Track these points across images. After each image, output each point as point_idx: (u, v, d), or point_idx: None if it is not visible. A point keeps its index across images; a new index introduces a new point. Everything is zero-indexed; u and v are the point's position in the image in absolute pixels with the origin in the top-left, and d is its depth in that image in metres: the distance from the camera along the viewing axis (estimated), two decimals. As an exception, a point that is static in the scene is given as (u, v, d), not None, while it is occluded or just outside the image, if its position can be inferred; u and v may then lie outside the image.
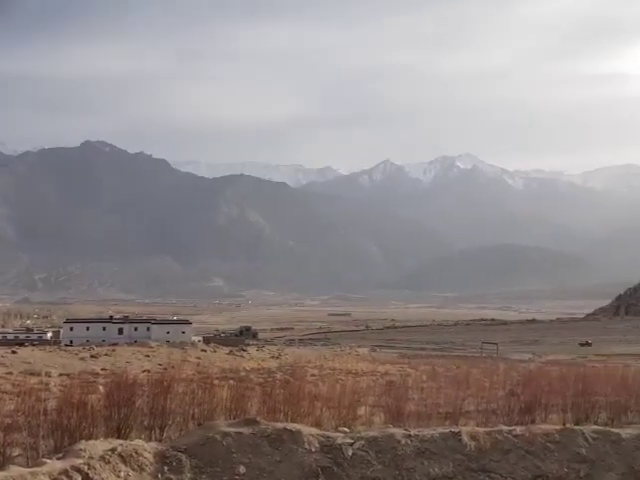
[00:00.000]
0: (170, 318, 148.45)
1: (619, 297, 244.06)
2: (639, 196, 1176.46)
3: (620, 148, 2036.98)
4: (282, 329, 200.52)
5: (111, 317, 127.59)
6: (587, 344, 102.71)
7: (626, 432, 12.06)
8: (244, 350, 70.11)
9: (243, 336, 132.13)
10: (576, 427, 12.17)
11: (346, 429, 11.97)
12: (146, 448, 10.10)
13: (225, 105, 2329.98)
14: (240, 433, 10.67)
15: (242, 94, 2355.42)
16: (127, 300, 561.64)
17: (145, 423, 12.83)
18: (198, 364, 40.40)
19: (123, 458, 9.68)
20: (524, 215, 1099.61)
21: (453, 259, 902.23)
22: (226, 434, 10.58)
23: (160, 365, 39.17)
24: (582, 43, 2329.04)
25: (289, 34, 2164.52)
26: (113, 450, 9.74)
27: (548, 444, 11.44)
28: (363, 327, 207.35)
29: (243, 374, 31.72)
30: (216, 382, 19.82)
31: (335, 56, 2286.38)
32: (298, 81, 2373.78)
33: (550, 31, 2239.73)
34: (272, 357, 60.03)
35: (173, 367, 30.46)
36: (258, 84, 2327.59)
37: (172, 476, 9.90)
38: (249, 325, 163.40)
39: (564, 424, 12.94)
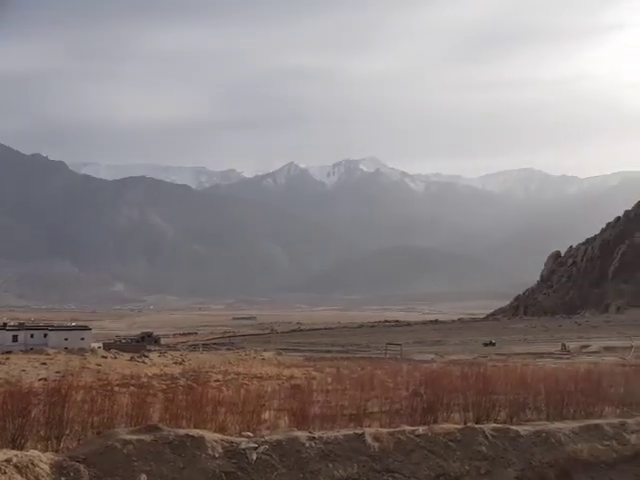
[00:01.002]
0: (68, 324, 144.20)
1: (517, 298, 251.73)
2: (535, 199, 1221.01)
3: (517, 152, 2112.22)
4: (185, 334, 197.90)
5: (5, 324, 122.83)
6: (491, 344, 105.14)
7: (524, 429, 12.39)
8: (146, 356, 68.89)
9: (145, 342, 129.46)
10: (477, 425, 12.41)
11: (250, 434, 11.86)
12: (42, 459, 9.74)
13: (125, 106, 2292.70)
14: (141, 440, 10.42)
15: (143, 95, 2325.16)
16: (23, 306, 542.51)
17: (42, 433, 12.39)
18: (98, 371, 39.47)
19: (19, 469, 9.31)
20: (425, 218, 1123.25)
21: (357, 261, 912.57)
22: (126, 442, 10.30)
23: (58, 373, 37.99)
24: (482, 49, 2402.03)
25: (193, 35, 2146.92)
26: (8, 461, 9.36)
27: (450, 443, 11.62)
28: (268, 331, 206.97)
29: (145, 380, 31.13)
30: (117, 389, 19.37)
31: (240, 58, 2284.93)
32: (201, 82, 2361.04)
33: (452, 37, 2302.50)
34: (175, 363, 59.19)
35: (71, 375, 29.57)
36: (159, 85, 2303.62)
37: (70, 486, 9.59)
38: (151, 331, 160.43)
39: (465, 423, 13.20)
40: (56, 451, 11.14)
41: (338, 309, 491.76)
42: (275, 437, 11.31)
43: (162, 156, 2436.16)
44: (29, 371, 41.77)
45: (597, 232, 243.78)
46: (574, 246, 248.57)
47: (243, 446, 10.85)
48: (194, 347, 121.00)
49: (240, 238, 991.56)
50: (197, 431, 11.10)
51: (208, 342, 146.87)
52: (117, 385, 21.71)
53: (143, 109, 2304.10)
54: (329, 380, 25.73)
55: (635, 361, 48.21)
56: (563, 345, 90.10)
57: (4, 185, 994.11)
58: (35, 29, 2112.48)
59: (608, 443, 12.48)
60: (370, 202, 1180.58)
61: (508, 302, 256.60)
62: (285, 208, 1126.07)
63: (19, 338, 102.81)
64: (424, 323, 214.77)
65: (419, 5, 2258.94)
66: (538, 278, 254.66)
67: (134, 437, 10.44)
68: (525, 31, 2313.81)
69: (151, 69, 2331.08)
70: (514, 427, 12.41)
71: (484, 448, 11.64)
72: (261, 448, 10.86)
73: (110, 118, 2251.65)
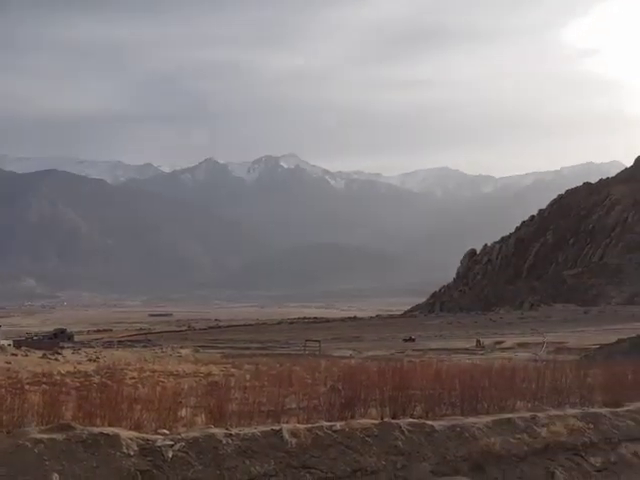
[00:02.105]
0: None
1: (434, 294, 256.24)
2: (453, 198, 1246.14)
3: (434, 152, 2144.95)
4: (100, 331, 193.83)
5: None
6: (411, 340, 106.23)
7: (439, 424, 12.56)
8: (59, 353, 67.14)
9: (57, 339, 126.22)
10: (393, 421, 12.52)
11: (166, 431, 11.67)
12: (-51, 460, 9.38)
13: (36, 97, 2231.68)
14: (53, 439, 10.11)
15: (56, 87, 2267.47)
16: None
17: (-52, 434, 11.94)
18: (8, 369, 38.22)
19: None
20: (346, 215, 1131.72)
21: (277, 258, 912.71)
22: (38, 441, 9.99)
23: (-35, 372, 36.68)
24: (399, 48, 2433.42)
25: (109, 27, 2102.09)
26: None
27: (367, 438, 11.69)
28: (185, 328, 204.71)
29: (58, 378, 30.36)
30: (28, 387, 18.83)
31: (158, 52, 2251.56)
32: (118, 75, 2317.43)
33: (370, 35, 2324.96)
34: (89, 360, 57.89)
35: (-20, 373, 28.63)
36: (74, 77, 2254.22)
37: (-22, 488, 9.26)
38: (64, 327, 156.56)
39: (382, 418, 13.29)
40: (-36, 451, 10.76)
41: (257, 306, 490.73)
42: (192, 434, 11.15)
43: (77, 149, 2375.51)
44: None
45: (512, 230, 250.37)
46: (489, 244, 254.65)
47: (159, 444, 10.67)
48: (109, 344, 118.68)
49: (157, 234, 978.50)
50: (112, 429, 10.85)
51: (123, 339, 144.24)
52: (28, 383, 21.11)
53: (56, 101, 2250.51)
54: (247, 377, 25.61)
55: (547, 357, 49.69)
56: (477, 341, 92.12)
57: None
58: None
59: (520, 436, 12.79)
60: (290, 199, 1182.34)
61: (425, 299, 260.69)
62: (203, 204, 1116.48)
63: None
64: (343, 320, 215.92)
65: (336, 3, 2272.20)
66: (454, 275, 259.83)
67: (45, 436, 10.14)
68: (440, 31, 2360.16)
69: (66, 61, 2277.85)
70: (429, 422, 12.56)
71: (400, 443, 11.75)
72: (177, 445, 10.69)
73: (21, 110, 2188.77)
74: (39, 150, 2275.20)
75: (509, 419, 13.18)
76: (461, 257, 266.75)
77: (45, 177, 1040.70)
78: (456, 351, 74.95)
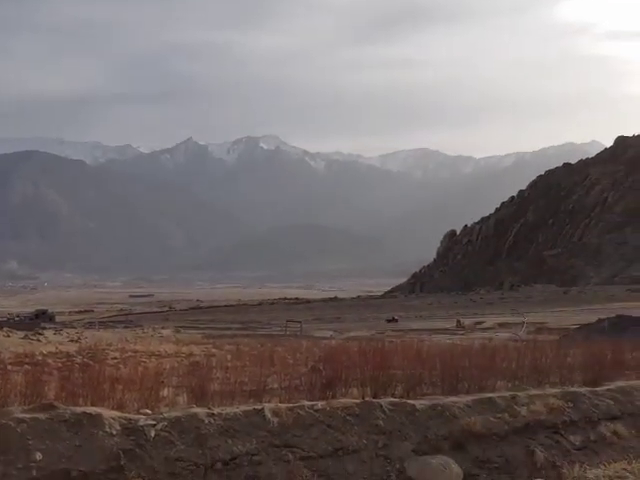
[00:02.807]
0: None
1: (414, 275, 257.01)
2: (433, 178, 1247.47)
3: (414, 132, 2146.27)
4: (81, 312, 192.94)
5: None
6: (393, 320, 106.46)
7: (420, 403, 12.67)
8: (40, 334, 66.87)
9: (39, 319, 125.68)
10: (374, 400, 12.62)
11: (149, 411, 11.71)
12: None
13: (14, 79, 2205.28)
14: (36, 419, 10.15)
15: (35, 68, 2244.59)
16: None
17: None
18: (-11, 350, 38.08)
19: None
20: (326, 196, 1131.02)
21: (258, 239, 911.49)
22: (20, 420, 10.02)
23: (-54, 353, 36.49)
24: (378, 28, 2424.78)
25: (89, 6, 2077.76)
26: None
27: (348, 417, 11.78)
28: (167, 308, 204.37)
29: (40, 358, 30.28)
30: (10, 368, 18.79)
31: (136, 31, 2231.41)
32: (96, 55, 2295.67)
33: (350, 16, 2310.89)
34: (71, 341, 57.73)
35: (-39, 354, 28.51)
36: (51, 58, 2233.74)
37: (-39, 467, 9.29)
38: (46, 308, 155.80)
39: (363, 397, 13.39)
40: (-54, 431, 10.76)
41: (238, 287, 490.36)
42: (174, 414, 11.20)
43: (56, 130, 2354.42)
44: None
45: (492, 211, 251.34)
46: (469, 225, 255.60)
47: (141, 423, 10.72)
48: (90, 325, 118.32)
49: (137, 215, 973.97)
50: (94, 409, 10.89)
51: (105, 320, 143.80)
52: (10, 364, 21.05)
53: (36, 82, 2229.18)
54: (229, 357, 25.66)
55: (526, 337, 50.07)
56: (458, 321, 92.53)
57: None
58: None
59: (500, 415, 12.94)
60: (271, 180, 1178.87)
61: (406, 280, 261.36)
62: (183, 185, 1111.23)
63: None
64: (324, 300, 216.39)
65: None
66: (435, 256, 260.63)
67: (28, 416, 10.17)
68: (419, 10, 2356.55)
69: (47, 42, 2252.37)
70: (411, 401, 12.68)
71: (381, 422, 11.86)
72: (160, 425, 10.75)
73: (2, 91, 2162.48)
74: (20, 131, 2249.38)
75: (490, 398, 13.33)
76: (441, 238, 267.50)
77: (26, 158, 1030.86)
78: (436, 331, 75.29)
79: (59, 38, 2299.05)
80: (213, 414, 11.29)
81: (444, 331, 76.93)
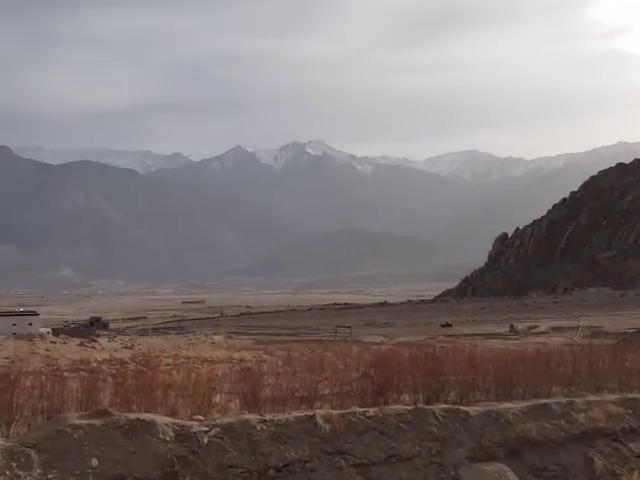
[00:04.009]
0: (16, 310, 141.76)
1: (466, 279, 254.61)
2: (482, 181, 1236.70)
3: (462, 134, 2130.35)
4: (134, 319, 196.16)
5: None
6: (447, 325, 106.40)
7: (474, 410, 12.51)
8: (95, 341, 68.07)
9: (94, 327, 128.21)
10: (427, 406, 12.51)
11: (201, 417, 11.79)
12: (-8, 444, 9.55)
13: (68, 90, 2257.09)
14: (92, 425, 10.27)
15: (87, 79, 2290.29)
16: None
17: (-9, 419, 12.20)
18: (47, 356, 38.94)
19: (-33, 456, 9.13)
20: (373, 200, 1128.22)
21: (306, 245, 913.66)
22: (77, 427, 10.15)
23: (7, 359, 37.32)
24: (426, 31, 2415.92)
25: (137, 18, 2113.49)
26: (-44, 448, 9.17)
27: (400, 424, 11.69)
28: (218, 314, 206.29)
29: (95, 365, 30.79)
30: (66, 374, 19.11)
31: (185, 41, 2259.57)
32: (146, 66, 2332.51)
33: (396, 19, 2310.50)
34: (125, 347, 58.66)
35: (20, 360, 29.13)
36: (104, 70, 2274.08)
37: (21, 472, 9.41)
38: (100, 315, 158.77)
39: (416, 404, 13.29)
40: (6, 437, 10.95)
41: (287, 292, 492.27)
42: (226, 420, 11.25)
43: (108, 140, 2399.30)
44: (-24, 358, 40.95)
45: (543, 213, 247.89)
46: (521, 228, 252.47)
47: (194, 429, 10.78)
48: (143, 331, 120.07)
49: (188, 222, 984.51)
50: (148, 415, 10.99)
51: (157, 326, 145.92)
52: (67, 370, 21.44)
53: (89, 93, 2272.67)
54: (280, 363, 25.74)
55: (582, 341, 49.25)
56: (511, 326, 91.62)
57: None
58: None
59: (556, 422, 12.69)
60: (318, 185, 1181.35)
61: (456, 284, 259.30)
62: (232, 192, 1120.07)
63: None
64: (373, 305, 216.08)
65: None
66: (486, 260, 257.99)
67: (84, 422, 10.30)
68: (466, 13, 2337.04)
69: (96, 53, 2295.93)
70: (464, 408, 12.53)
71: (435, 429, 11.74)
72: (212, 431, 10.80)
73: (55, 103, 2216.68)
74: (73, 142, 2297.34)
75: (545, 404, 13.08)
76: (492, 241, 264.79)
77: (79, 168, 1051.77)
78: (489, 336, 74.62)
79: (110, 50, 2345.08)
80: (265, 420, 11.31)
81: (497, 336, 76.17)
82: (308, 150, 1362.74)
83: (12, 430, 12.01)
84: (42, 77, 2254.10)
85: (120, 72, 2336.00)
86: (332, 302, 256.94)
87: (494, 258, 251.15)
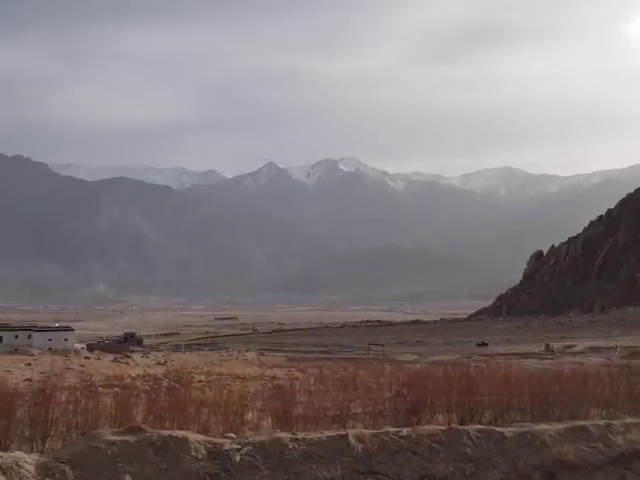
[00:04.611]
0: (52, 325, 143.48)
1: (500, 297, 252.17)
2: (517, 198, 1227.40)
3: (496, 151, 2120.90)
4: (168, 334, 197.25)
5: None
6: (483, 344, 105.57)
7: (509, 430, 12.37)
8: (129, 357, 68.53)
9: (127, 342, 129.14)
10: (461, 427, 12.39)
11: (233, 435, 11.80)
12: (27, 460, 9.66)
13: (105, 108, 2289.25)
14: (125, 441, 10.35)
15: (124, 96, 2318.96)
16: (7, 307, 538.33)
17: (26, 434, 12.35)
18: (82, 372, 39.25)
19: (3, 470, 9.23)
20: (407, 217, 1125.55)
21: (338, 262, 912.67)
22: (111, 443, 10.23)
23: (42, 374, 37.71)
24: (459, 48, 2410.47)
25: (170, 37, 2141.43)
26: (-8, 463, 9.28)
27: (434, 444, 11.59)
28: (250, 331, 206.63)
29: (128, 381, 30.96)
30: (100, 390, 19.23)
31: (218, 59, 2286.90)
32: (180, 84, 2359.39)
33: (429, 37, 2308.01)
34: (158, 363, 58.95)
35: (56, 375, 29.39)
36: (138, 87, 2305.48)
37: (55, 488, 9.51)
38: (133, 331, 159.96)
39: (449, 424, 13.17)
40: (41, 452, 11.06)
41: (319, 309, 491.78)
42: (258, 438, 11.25)
43: (143, 157, 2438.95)
44: (14, 372, 41.49)
45: (579, 231, 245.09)
46: (556, 245, 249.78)
47: (226, 447, 10.79)
48: (177, 348, 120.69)
49: (221, 238, 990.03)
50: (180, 432, 11.04)
51: (190, 342, 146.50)
52: (101, 386, 21.59)
53: (124, 111, 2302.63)
54: (312, 381, 25.67)
55: (620, 361, 48.40)
56: (547, 345, 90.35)
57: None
58: (18, 32, 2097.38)
59: (594, 445, 12.49)
60: (351, 202, 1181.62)
61: (491, 302, 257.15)
62: (265, 208, 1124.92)
63: (4, 339, 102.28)
64: (406, 323, 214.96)
65: (395, 6, 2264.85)
66: (520, 278, 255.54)
67: (118, 438, 10.37)
68: (500, 29, 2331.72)
69: (130, 71, 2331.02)
70: (499, 428, 12.40)
71: (469, 450, 11.62)
72: (244, 449, 10.81)
73: (91, 120, 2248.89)
74: (109, 159, 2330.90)
75: (582, 426, 12.89)
76: (527, 258, 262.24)
77: (115, 185, 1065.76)
78: (525, 355, 73.63)
79: (146, 68, 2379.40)
80: (297, 439, 11.28)
81: (532, 355, 75.11)
82: (341, 167, 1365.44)
83: (47, 445, 12.13)
84: (79, 95, 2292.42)
85: (156, 90, 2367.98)
86: (365, 319, 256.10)
87: (529, 276, 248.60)
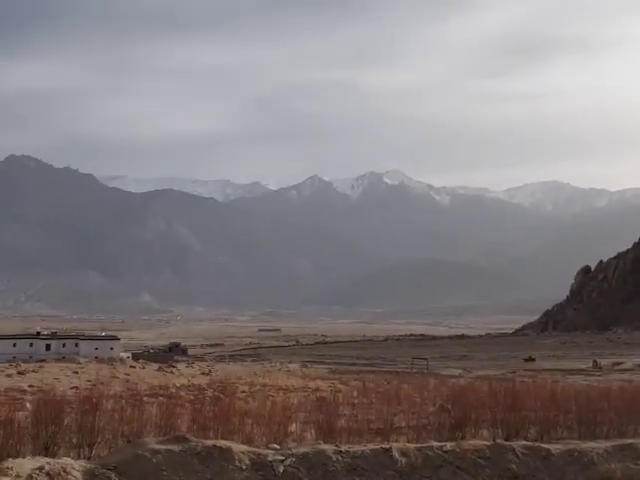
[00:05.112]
0: (98, 334, 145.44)
1: (546, 313, 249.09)
2: (564, 212, 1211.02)
3: (542, 164, 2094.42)
4: (212, 345, 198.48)
5: (38, 333, 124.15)
6: (531, 359, 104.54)
7: (556, 447, 12.21)
8: (174, 367, 69.16)
9: (172, 352, 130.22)
10: (506, 443, 12.28)
11: (277, 446, 11.85)
12: (74, 466, 9.83)
13: (152, 120, 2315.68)
14: (170, 450, 10.46)
15: (170, 109, 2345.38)
16: (54, 316, 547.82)
17: (74, 441, 12.56)
18: (127, 381, 39.75)
19: (51, 477, 9.40)
20: (452, 231, 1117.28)
21: (382, 275, 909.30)
22: (156, 451, 10.35)
23: (89, 382, 38.32)
24: (504, 62, 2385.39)
25: (216, 50, 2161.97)
26: (41, 469, 9.45)
27: (479, 460, 11.50)
28: (293, 342, 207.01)
29: (173, 391, 31.26)
30: (145, 399, 19.46)
31: (264, 72, 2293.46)
32: (225, 97, 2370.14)
33: (474, 50, 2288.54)
34: (202, 373, 59.38)
35: (102, 384, 29.84)
36: (185, 99, 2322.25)
37: (100, 495, 9.64)
38: (178, 341, 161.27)
39: (494, 440, 13.05)
40: (88, 459, 11.24)
41: (362, 322, 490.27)
42: (302, 450, 11.28)
43: (189, 169, 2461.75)
44: (61, 379, 42.26)
45: (629, 246, 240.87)
46: (604, 260, 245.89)
47: (270, 458, 10.84)
48: (221, 358, 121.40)
49: (265, 250, 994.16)
50: (224, 442, 11.12)
51: (234, 353, 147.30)
52: (146, 395, 21.82)
53: (170, 124, 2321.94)
54: (355, 393, 25.63)
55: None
56: (595, 362, 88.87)
57: (36, 197, 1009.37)
58: (67, 45, 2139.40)
59: (643, 463, 12.27)
60: (395, 215, 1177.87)
61: (537, 317, 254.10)
62: (309, 221, 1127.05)
63: (52, 347, 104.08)
64: (450, 338, 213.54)
65: (441, 19, 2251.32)
66: (567, 293, 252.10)
67: (163, 447, 10.49)
68: (548, 42, 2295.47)
69: (176, 84, 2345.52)
70: (545, 445, 12.24)
71: (514, 466, 11.50)
72: (288, 461, 10.84)
73: (138, 132, 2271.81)
74: (155, 170, 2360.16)
75: (631, 444, 12.66)
76: (573, 274, 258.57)
77: (161, 196, 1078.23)
78: (571, 372, 72.54)
79: (191, 81, 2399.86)
80: (341, 451, 11.29)
81: (579, 372, 73.98)
82: (385, 180, 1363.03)
83: (94, 452, 12.33)
84: (125, 107, 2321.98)
85: (202, 102, 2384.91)
86: (408, 333, 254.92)
87: (576, 291, 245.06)
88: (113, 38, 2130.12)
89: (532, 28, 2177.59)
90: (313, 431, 14.90)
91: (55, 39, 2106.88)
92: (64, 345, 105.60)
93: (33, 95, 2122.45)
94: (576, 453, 12.08)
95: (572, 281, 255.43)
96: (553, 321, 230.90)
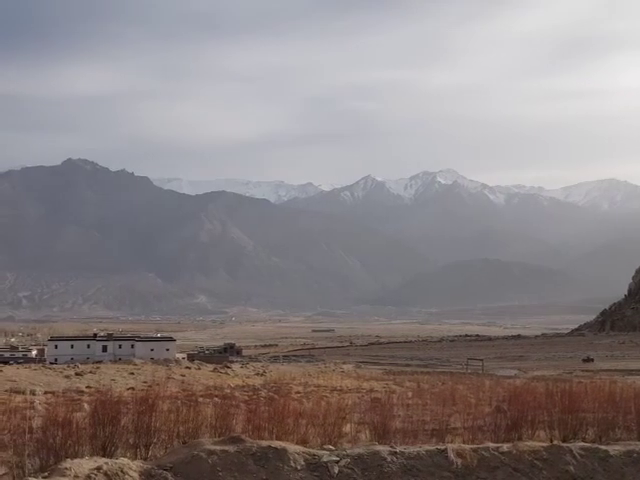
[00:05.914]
0: (154, 335, 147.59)
1: (604, 312, 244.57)
2: (621, 211, 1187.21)
3: (600, 163, 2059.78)
4: (266, 346, 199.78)
5: (95, 335, 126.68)
6: (589, 360, 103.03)
7: (614, 449, 12.00)
8: (228, 367, 69.65)
9: (227, 353, 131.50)
10: (564, 444, 12.11)
11: (332, 447, 11.86)
12: (132, 467, 9.99)
13: (206, 123, 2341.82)
14: (225, 451, 10.56)
15: (224, 112, 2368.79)
16: (111, 317, 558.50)
17: (130, 441, 12.76)
18: (182, 381, 40.23)
19: (109, 477, 9.57)
20: (506, 230, 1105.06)
21: (436, 274, 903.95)
22: (211, 452, 10.46)
23: (145, 383, 38.87)
24: (561, 60, 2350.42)
25: (270, 52, 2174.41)
26: (99, 469, 9.63)
27: (536, 461, 11.36)
28: (347, 343, 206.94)
29: (228, 391, 31.52)
30: (201, 400, 19.69)
31: (316, 73, 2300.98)
32: (278, 99, 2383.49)
33: (530, 48, 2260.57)
34: (256, 374, 59.76)
35: (158, 385, 30.22)
36: (238, 102, 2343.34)
37: (157, 495, 9.78)
38: (233, 342, 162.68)
39: (551, 441, 12.89)
40: (144, 459, 11.43)
41: (416, 322, 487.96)
42: (357, 451, 11.28)
43: (242, 171, 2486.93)
44: (118, 380, 42.94)
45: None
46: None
47: (325, 459, 10.86)
48: (275, 359, 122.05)
49: (318, 251, 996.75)
50: (279, 443, 11.17)
51: (288, 354, 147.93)
52: (201, 396, 22.08)
53: (224, 126, 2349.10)
54: (409, 394, 25.52)
55: None
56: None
57: (92, 200, 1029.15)
58: (122, 51, 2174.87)
59: None
60: (449, 214, 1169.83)
61: (593, 317, 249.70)
62: (363, 221, 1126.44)
63: (108, 348, 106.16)
64: (506, 338, 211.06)
65: (496, 18, 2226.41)
66: (625, 292, 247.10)
67: (218, 448, 10.59)
68: (603, 39, 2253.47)
69: (231, 87, 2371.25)
70: (603, 447, 12.04)
71: (572, 468, 11.34)
72: (343, 462, 10.85)
73: (193, 135, 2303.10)
74: (210, 173, 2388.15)
75: (693, 446, 12.39)
76: (631, 273, 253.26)
77: (215, 198, 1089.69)
78: (630, 372, 71.10)
79: (246, 84, 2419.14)
80: (396, 452, 11.25)
81: (638, 372, 72.47)
82: (439, 179, 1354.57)
83: (150, 452, 12.52)
84: (181, 110, 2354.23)
85: (255, 104, 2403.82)
86: (463, 333, 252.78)
87: (634, 291, 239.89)
88: (169, 43, 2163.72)
89: (589, 25, 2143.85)
90: (367, 432, 14.90)
91: (113, 43, 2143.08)
92: (120, 346, 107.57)
93: (91, 99, 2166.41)
94: (635, 454, 11.86)
95: (630, 280, 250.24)
96: (610, 321, 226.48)
